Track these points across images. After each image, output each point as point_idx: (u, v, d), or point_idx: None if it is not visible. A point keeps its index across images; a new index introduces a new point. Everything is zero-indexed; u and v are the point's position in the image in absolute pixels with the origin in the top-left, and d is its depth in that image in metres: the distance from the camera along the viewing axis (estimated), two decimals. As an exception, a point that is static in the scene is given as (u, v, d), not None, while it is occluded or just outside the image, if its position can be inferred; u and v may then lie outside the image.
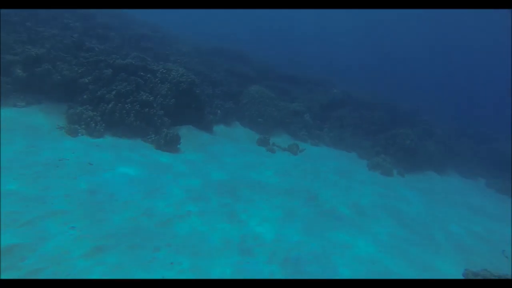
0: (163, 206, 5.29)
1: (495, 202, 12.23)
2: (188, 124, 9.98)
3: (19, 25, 10.31)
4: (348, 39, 67.84)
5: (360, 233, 6.51)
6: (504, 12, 31.55)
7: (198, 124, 10.26)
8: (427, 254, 6.40)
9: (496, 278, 3.84)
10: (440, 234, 7.60)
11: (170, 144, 7.91)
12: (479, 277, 4.03)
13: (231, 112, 12.57)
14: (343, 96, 16.59)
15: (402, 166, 12.92)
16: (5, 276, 3.05)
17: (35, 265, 3.29)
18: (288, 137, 13.57)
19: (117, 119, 7.66)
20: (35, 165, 5.18)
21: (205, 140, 9.59)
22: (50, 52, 7.99)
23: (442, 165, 14.65)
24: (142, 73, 9.11)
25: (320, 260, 5.10)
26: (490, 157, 16.39)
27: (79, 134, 7.08)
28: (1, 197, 4.10)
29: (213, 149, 9.15)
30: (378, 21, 64.86)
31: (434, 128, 16.67)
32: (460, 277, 4.46)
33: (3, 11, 9.72)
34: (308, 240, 5.62)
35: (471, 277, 4.14)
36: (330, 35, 70.95)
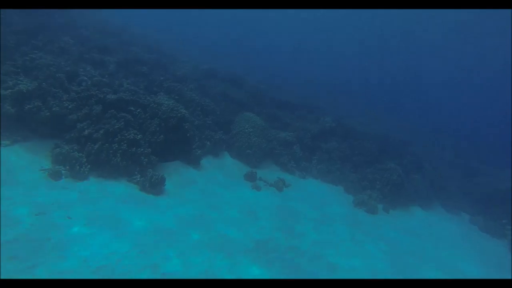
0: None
1: (474, 241, 12.39)
2: (176, 160, 10.09)
3: (15, 50, 10.43)
4: (356, 60, 69.12)
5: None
6: (504, 12, 30.98)
7: (186, 158, 10.36)
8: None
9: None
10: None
11: (155, 186, 7.98)
12: None
13: (220, 143, 12.68)
14: (334, 125, 16.80)
15: (388, 201, 13.11)
16: None
17: None
18: (277, 168, 13.72)
19: (103, 160, 7.72)
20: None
21: (190, 177, 9.67)
22: (41, 87, 8.06)
23: (428, 199, 14.86)
24: (132, 108, 9.22)
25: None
26: (475, 192, 16.64)
27: (63, 177, 7.12)
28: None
29: (194, 190, 9.16)
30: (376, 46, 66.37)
31: (422, 161, 16.91)
32: None
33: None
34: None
35: None
36: (334, 54, 72.23)
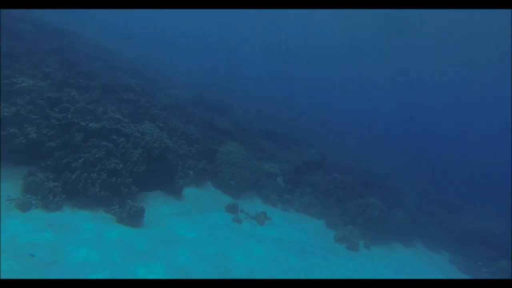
0: None
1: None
2: (157, 190, 9.85)
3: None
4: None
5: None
6: (505, 12, 29.95)
7: (168, 188, 10.14)
8: None
9: None
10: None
11: (133, 218, 7.69)
12: None
13: (204, 173, 12.53)
14: (318, 158, 16.98)
15: (370, 237, 13.07)
16: None
17: None
18: (260, 200, 13.59)
19: (80, 189, 7.43)
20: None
21: (170, 209, 9.40)
22: (19, 113, 7.83)
23: (409, 236, 14.91)
24: (115, 137, 9.06)
25: None
26: (455, 230, 16.84)
27: (33, 207, 6.74)
28: None
29: (172, 221, 8.88)
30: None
31: (403, 196, 17.17)
32: None
33: None
34: None
35: None
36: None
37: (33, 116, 8.08)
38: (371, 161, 22.69)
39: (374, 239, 12.95)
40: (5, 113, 7.59)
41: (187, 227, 8.87)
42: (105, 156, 8.16)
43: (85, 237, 6.48)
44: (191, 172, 11.96)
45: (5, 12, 15.48)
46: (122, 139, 9.16)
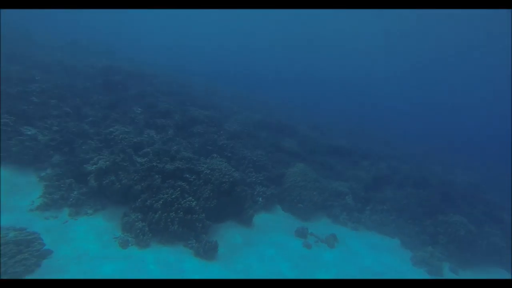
0: None
1: None
2: (228, 220, 10.55)
3: (102, 123, 12.41)
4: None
5: None
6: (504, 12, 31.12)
7: (238, 218, 10.78)
8: None
9: None
10: None
11: (208, 253, 8.41)
12: None
13: (272, 198, 12.90)
14: (388, 172, 15.99)
15: (456, 260, 11.72)
16: None
17: None
18: (329, 221, 13.43)
19: (162, 228, 8.46)
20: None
21: (242, 239, 9.93)
22: (115, 162, 9.32)
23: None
24: (187, 175, 10.05)
25: None
26: None
27: (130, 245, 7.97)
28: None
29: (245, 253, 9.32)
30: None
31: (500, 211, 14.85)
32: None
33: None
34: None
35: None
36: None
37: (124, 164, 9.51)
38: (453, 170, 20.27)
39: (463, 262, 11.54)
40: (107, 164, 9.13)
41: (257, 258, 9.26)
42: (180, 195, 9.12)
43: (169, 271, 7.37)
44: (260, 199, 12.46)
45: (107, 68, 18.67)
46: (194, 176, 10.11)
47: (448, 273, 11.10)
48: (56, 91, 13.17)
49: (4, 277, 5.87)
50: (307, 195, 13.22)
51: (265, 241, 10.33)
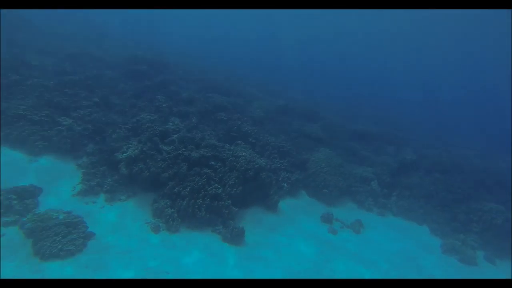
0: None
1: None
2: (254, 206, 10.72)
3: (128, 112, 12.83)
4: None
5: None
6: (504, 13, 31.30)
7: (264, 203, 10.92)
8: None
9: None
10: None
11: (236, 238, 8.62)
12: None
13: (297, 183, 12.92)
14: (415, 158, 15.46)
15: (491, 248, 11.30)
16: None
17: None
18: (354, 206, 13.34)
19: (190, 214, 8.74)
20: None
21: (269, 225, 10.07)
22: (143, 151, 9.65)
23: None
24: (213, 163, 10.23)
25: None
26: None
27: (161, 230, 8.33)
28: None
29: (271, 240, 9.45)
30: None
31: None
32: None
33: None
34: None
35: None
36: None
37: (151, 152, 9.82)
38: (492, 158, 19.25)
39: (500, 251, 11.12)
40: (136, 152, 9.48)
41: (283, 244, 9.40)
42: (206, 182, 9.34)
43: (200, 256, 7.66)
44: (285, 185, 12.52)
45: (132, 57, 19.13)
46: (219, 164, 10.27)
47: (482, 262, 10.76)
48: (87, 82, 13.68)
49: (60, 254, 6.39)
50: (332, 181, 13.12)
51: (291, 227, 10.43)
